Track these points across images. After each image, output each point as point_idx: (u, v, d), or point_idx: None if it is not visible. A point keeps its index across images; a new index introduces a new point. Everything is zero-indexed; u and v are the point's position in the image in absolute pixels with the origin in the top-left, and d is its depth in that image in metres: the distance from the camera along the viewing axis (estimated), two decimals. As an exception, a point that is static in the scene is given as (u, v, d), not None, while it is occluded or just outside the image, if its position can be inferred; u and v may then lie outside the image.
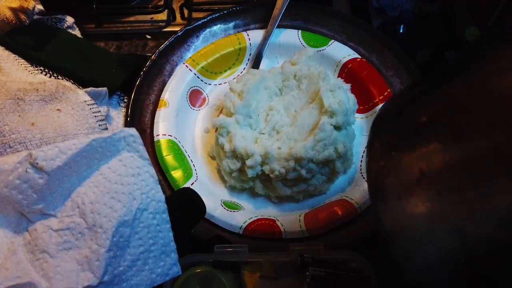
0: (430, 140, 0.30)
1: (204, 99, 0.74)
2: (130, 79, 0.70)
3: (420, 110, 0.32)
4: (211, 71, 0.74)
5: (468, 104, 0.28)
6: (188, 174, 0.64)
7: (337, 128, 0.61)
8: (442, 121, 0.29)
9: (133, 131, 0.50)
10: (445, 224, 0.28)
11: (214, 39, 0.76)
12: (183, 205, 0.53)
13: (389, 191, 0.32)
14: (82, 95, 0.62)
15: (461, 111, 0.28)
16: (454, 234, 0.28)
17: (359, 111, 0.69)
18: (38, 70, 0.68)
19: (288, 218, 0.60)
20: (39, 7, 0.76)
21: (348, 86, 0.69)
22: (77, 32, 0.76)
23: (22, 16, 0.70)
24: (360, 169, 0.65)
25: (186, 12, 0.83)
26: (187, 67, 0.72)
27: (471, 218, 0.27)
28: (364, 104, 0.70)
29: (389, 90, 0.69)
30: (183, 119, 0.70)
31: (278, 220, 0.59)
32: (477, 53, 0.32)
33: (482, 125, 0.27)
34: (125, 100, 0.71)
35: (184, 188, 0.61)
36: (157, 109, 0.69)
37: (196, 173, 0.65)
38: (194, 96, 0.73)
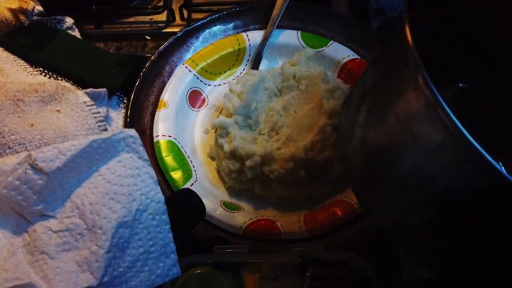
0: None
1: (204, 100, 0.74)
2: (130, 80, 0.70)
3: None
4: (210, 72, 0.74)
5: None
6: (187, 175, 0.63)
7: (337, 129, 0.61)
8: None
9: (132, 132, 0.50)
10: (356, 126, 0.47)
11: (214, 40, 0.76)
12: (183, 206, 0.53)
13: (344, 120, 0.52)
14: (81, 96, 0.62)
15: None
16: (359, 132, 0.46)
17: (358, 111, 0.69)
18: (37, 71, 0.68)
19: (287, 218, 0.60)
20: (39, 8, 0.76)
21: (347, 86, 0.69)
22: (76, 33, 0.76)
23: (22, 17, 0.70)
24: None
25: (185, 13, 0.83)
26: (187, 68, 0.72)
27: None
28: (363, 104, 0.70)
29: (388, 91, 0.69)
30: (182, 120, 0.70)
31: (278, 221, 0.59)
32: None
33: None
34: (125, 101, 0.71)
35: (183, 189, 0.61)
36: (157, 110, 0.69)
37: (196, 174, 0.65)
38: (194, 97, 0.73)
